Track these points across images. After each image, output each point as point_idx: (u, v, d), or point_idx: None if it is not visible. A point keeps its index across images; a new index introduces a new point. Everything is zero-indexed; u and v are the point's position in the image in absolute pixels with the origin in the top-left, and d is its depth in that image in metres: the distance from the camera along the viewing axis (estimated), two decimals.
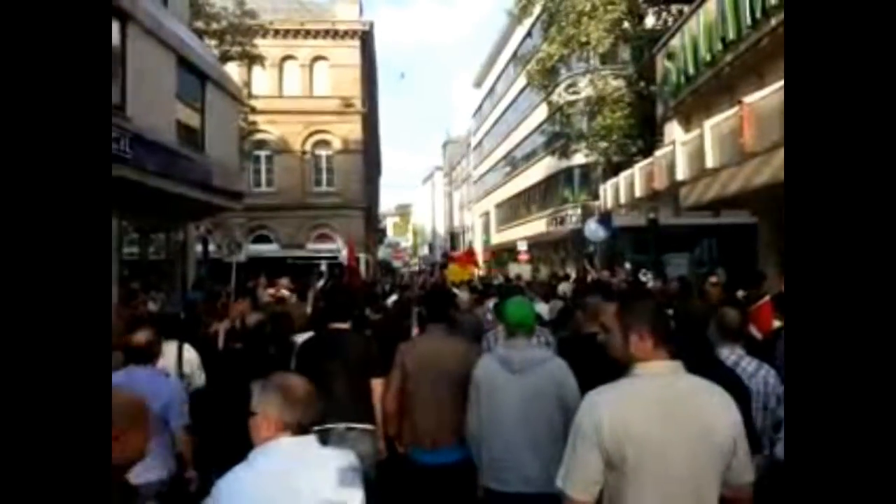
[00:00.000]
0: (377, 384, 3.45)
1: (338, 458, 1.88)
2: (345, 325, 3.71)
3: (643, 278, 11.93)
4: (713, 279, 8.57)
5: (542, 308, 6.58)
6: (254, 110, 20.94)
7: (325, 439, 3.23)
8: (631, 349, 1.85)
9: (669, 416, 1.72)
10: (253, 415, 1.85)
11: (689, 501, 1.72)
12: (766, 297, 5.90)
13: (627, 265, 15.17)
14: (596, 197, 16.87)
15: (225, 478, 1.79)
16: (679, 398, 1.76)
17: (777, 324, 4.82)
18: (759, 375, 2.91)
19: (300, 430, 1.84)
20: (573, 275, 16.73)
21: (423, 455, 3.24)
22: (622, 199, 11.78)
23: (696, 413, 1.74)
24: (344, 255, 12.73)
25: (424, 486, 3.22)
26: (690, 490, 1.72)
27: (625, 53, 17.91)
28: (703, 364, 1.88)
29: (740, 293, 7.19)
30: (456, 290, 8.83)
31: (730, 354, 2.97)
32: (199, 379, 4.19)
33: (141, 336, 3.29)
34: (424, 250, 56.43)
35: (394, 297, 9.46)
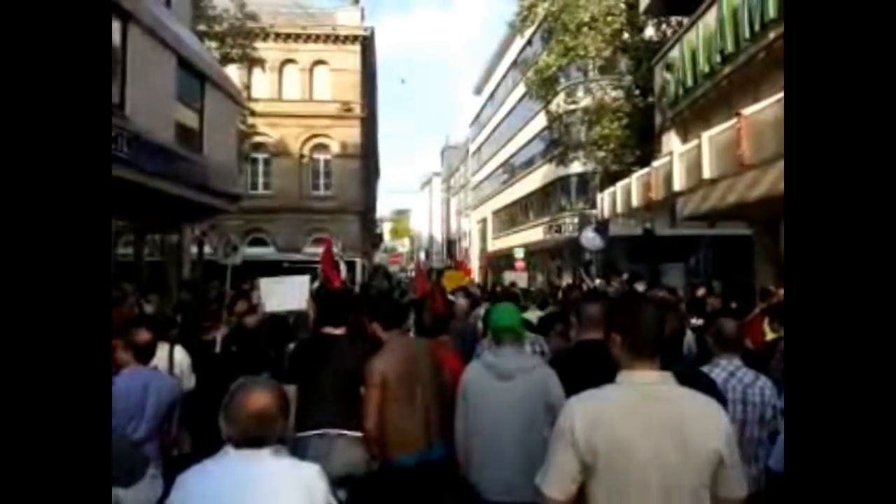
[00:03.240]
0: None
1: (281, 476, 1.79)
2: (339, 331, 3.65)
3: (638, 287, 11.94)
4: (701, 291, 8.62)
5: (538, 315, 6.56)
6: (253, 113, 20.94)
7: (316, 445, 3.22)
8: (615, 355, 1.86)
9: (645, 424, 1.71)
10: None
11: None
12: (757, 310, 5.91)
13: (625, 276, 15.19)
14: (593, 205, 16.91)
15: (186, 472, 1.81)
16: (659, 408, 1.74)
17: (770, 335, 4.82)
18: (756, 386, 2.91)
19: (240, 444, 1.79)
20: (566, 283, 16.73)
21: (409, 458, 3.21)
22: (619, 209, 11.81)
23: (675, 423, 1.72)
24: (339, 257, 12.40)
25: (413, 485, 3.19)
26: (661, 500, 1.68)
27: (623, 64, 18.00)
28: (676, 374, 1.85)
29: (734, 305, 7.21)
30: (452, 297, 8.83)
31: (727, 365, 2.97)
32: (189, 381, 4.17)
33: (144, 335, 3.36)
34: (421, 256, 56.46)
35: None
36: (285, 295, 5.24)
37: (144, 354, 3.33)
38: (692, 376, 2.63)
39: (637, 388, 1.78)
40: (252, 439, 1.78)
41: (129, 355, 3.28)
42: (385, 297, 4.06)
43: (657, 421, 1.71)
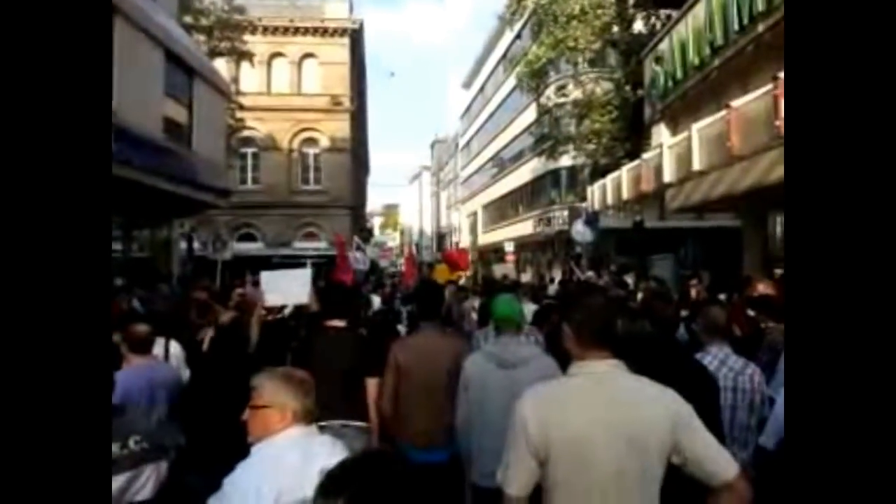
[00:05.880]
0: (371, 382, 3.44)
1: (336, 446, 1.96)
2: (341, 323, 3.68)
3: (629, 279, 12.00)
4: (693, 282, 8.70)
5: (531, 308, 6.59)
6: (241, 107, 20.78)
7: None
8: (566, 345, 1.87)
9: (596, 418, 1.70)
10: (261, 408, 1.88)
11: (611, 500, 1.68)
12: (734, 298, 5.98)
13: (613, 267, 15.28)
14: (583, 199, 16.96)
15: (236, 473, 1.78)
16: (609, 398, 1.73)
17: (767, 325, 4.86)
18: (746, 374, 2.95)
19: (312, 418, 1.94)
20: (557, 277, 16.80)
21: (417, 453, 3.23)
22: (609, 201, 11.88)
23: (626, 413, 1.70)
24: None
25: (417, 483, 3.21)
26: (614, 488, 1.67)
27: (613, 57, 18.05)
28: (672, 361, 1.87)
29: (722, 296, 7.28)
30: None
31: (718, 352, 3.01)
32: (184, 375, 4.16)
33: (141, 328, 3.43)
34: (412, 250, 56.40)
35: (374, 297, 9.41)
36: (286, 289, 5.03)
37: (141, 347, 3.38)
38: (685, 363, 2.67)
39: (588, 379, 1.77)
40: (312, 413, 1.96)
41: (125, 349, 3.30)
42: (421, 290, 4.16)
43: (608, 413, 1.70)
